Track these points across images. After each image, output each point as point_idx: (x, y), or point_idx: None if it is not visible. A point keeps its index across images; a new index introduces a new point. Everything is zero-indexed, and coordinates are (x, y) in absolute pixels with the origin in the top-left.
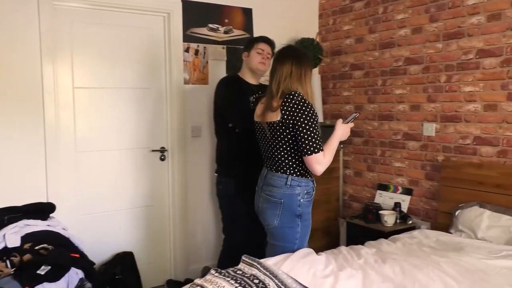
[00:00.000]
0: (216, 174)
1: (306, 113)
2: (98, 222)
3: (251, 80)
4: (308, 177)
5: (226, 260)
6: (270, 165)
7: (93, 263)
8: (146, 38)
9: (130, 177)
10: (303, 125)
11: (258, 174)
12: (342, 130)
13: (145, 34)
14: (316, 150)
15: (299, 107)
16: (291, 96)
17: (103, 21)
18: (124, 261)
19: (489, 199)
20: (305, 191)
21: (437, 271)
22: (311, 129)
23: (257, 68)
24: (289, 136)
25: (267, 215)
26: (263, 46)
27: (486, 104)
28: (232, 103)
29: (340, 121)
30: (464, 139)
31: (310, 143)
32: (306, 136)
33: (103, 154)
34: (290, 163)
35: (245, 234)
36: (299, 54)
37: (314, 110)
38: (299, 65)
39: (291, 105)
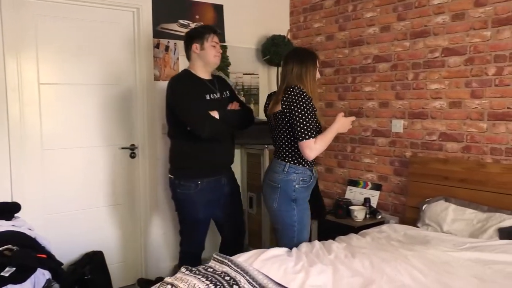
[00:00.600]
0: (172, 176)
1: (301, 102)
2: (66, 222)
3: (204, 74)
4: (306, 166)
5: (182, 264)
6: (275, 153)
7: (61, 264)
8: (114, 34)
9: (100, 175)
10: (297, 113)
11: (219, 175)
12: (340, 123)
13: (114, 30)
14: (307, 137)
15: (296, 97)
16: (290, 89)
17: (70, 15)
18: (93, 261)
19: (454, 194)
20: (301, 178)
21: (404, 265)
22: (304, 116)
23: (214, 62)
24: (287, 125)
25: (268, 198)
26: (216, 38)
27: (451, 101)
28: (191, 111)
29: (341, 114)
30: (430, 135)
31: (303, 130)
32: (299, 123)
33: (71, 152)
34: (289, 151)
35: (203, 237)
36: (301, 54)
37: (310, 101)
38: (300, 63)
39: (290, 96)
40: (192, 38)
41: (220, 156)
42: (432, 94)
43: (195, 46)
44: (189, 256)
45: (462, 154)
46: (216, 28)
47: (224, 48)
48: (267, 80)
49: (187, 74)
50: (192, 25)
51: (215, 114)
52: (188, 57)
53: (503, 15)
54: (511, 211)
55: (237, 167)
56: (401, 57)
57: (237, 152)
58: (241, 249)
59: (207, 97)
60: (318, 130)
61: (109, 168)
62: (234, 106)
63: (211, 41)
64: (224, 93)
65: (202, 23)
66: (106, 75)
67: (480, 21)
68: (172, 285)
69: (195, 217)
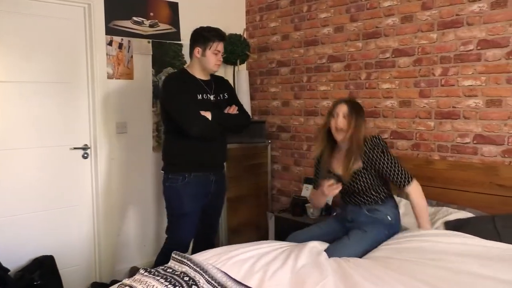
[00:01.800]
0: (162, 172)
1: (384, 151)
2: (14, 226)
3: (201, 75)
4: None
5: (166, 261)
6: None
7: (7, 270)
8: (65, 30)
9: (50, 176)
10: (385, 162)
11: (208, 172)
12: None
13: (64, 26)
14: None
15: (377, 148)
16: (366, 142)
17: (18, 10)
18: (43, 266)
19: None
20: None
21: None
22: (394, 162)
23: (212, 70)
24: (372, 176)
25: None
26: (220, 46)
27: (401, 100)
28: (182, 110)
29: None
30: (382, 133)
31: (401, 175)
32: (394, 171)
33: (19, 153)
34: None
35: (191, 234)
36: (357, 106)
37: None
38: (360, 117)
39: (370, 149)
40: (195, 41)
41: (211, 155)
42: (383, 94)
43: (197, 50)
44: (177, 248)
45: (412, 152)
46: (224, 34)
47: (179, 46)
48: None
49: (182, 73)
50: (147, 23)
51: (208, 115)
52: (190, 56)
53: (447, 18)
54: (457, 205)
55: None
56: (354, 57)
57: None
58: (212, 247)
59: (199, 96)
60: None
61: (60, 169)
62: (232, 110)
63: (215, 49)
64: (221, 95)
65: (157, 20)
66: (56, 73)
67: (427, 24)
68: (130, 287)
69: (182, 211)
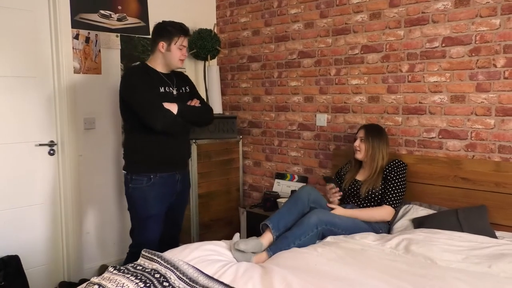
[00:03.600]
0: (125, 172)
1: (402, 173)
2: None
3: (162, 69)
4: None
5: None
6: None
7: None
8: (27, 22)
9: (15, 174)
10: (395, 181)
11: (174, 172)
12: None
13: (26, 18)
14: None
15: (399, 169)
16: (392, 163)
17: None
18: (8, 266)
19: None
20: None
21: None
22: (401, 186)
23: (176, 66)
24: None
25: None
26: (185, 42)
27: (370, 96)
28: (145, 102)
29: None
30: (352, 128)
31: (396, 198)
32: (394, 191)
33: None
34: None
35: (157, 235)
36: (375, 129)
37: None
38: (380, 139)
39: (394, 169)
40: (159, 35)
41: (175, 151)
42: (353, 89)
43: (162, 45)
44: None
45: None
46: (188, 29)
47: (148, 41)
48: (194, 74)
49: (142, 66)
50: (115, 16)
51: (174, 107)
52: (151, 50)
53: (414, 15)
54: (426, 203)
55: None
56: (324, 53)
57: None
58: (176, 245)
59: (161, 89)
60: None
61: (25, 167)
62: (194, 102)
63: (180, 44)
64: (183, 88)
65: (125, 14)
66: (19, 67)
67: (394, 21)
68: (99, 285)
69: (147, 213)
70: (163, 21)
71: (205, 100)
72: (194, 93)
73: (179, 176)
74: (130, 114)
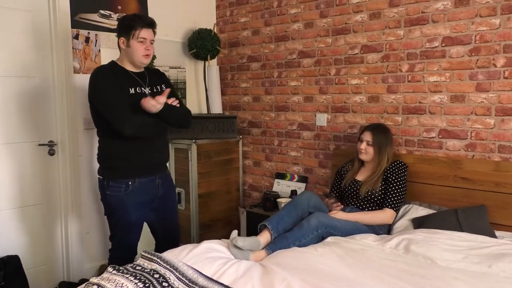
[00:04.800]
0: (100, 177)
1: (403, 174)
2: None
3: (132, 68)
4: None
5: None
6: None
7: None
8: (27, 22)
9: (15, 174)
10: (397, 183)
11: (153, 176)
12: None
13: (26, 18)
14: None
15: (400, 170)
16: (394, 163)
17: None
18: (8, 266)
19: None
20: None
21: (326, 249)
22: (402, 188)
23: (141, 62)
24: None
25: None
26: (145, 33)
27: (370, 96)
28: (112, 107)
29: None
30: (352, 128)
31: (397, 200)
32: (396, 193)
33: None
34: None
35: (138, 239)
36: (380, 129)
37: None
38: (385, 138)
39: (395, 169)
40: (119, 31)
41: (153, 155)
42: (352, 89)
43: (122, 41)
44: (121, 262)
45: None
46: (150, 20)
47: None
48: (194, 74)
49: (111, 66)
50: (114, 16)
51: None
52: (118, 48)
53: (414, 15)
54: (426, 203)
55: None
56: (324, 53)
57: None
58: (177, 246)
59: (131, 90)
60: None
61: (26, 167)
62: (171, 101)
63: (138, 37)
64: (157, 87)
65: (125, 14)
66: (19, 67)
67: (394, 21)
68: (98, 285)
69: (127, 221)
70: (124, 15)
71: (206, 99)
72: (172, 92)
73: (159, 180)
74: (99, 116)
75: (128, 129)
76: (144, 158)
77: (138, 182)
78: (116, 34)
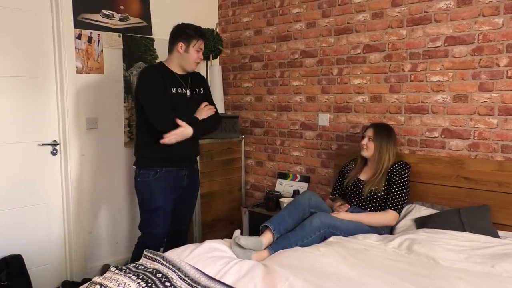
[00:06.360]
0: (134, 167)
1: (406, 175)
2: None
3: (178, 70)
4: None
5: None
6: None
7: None
8: (30, 22)
9: (18, 173)
10: (400, 184)
11: (180, 167)
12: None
13: (29, 18)
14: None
15: (403, 171)
16: (397, 164)
17: None
18: (11, 266)
19: None
20: None
21: (328, 249)
22: (405, 189)
23: (192, 68)
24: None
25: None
26: (202, 44)
27: (372, 95)
28: (152, 103)
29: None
30: (354, 128)
31: (399, 201)
32: (398, 195)
33: None
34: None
35: (164, 228)
36: (383, 128)
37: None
38: (388, 140)
39: (398, 170)
40: (179, 36)
41: (182, 150)
42: (355, 89)
43: (180, 45)
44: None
45: None
46: (205, 33)
47: (151, 40)
48: None
49: (158, 66)
50: (117, 16)
51: (189, 130)
52: (169, 50)
53: (416, 15)
54: (428, 203)
55: None
56: (326, 53)
57: None
58: (185, 242)
59: (173, 90)
60: None
61: (29, 166)
62: (207, 109)
63: (198, 47)
64: (197, 90)
65: (127, 14)
66: (22, 67)
67: (396, 20)
68: (101, 285)
69: (153, 205)
70: (182, 23)
71: None
72: (208, 97)
73: (186, 172)
74: (141, 111)
75: (162, 125)
76: (173, 151)
77: (165, 170)
78: (171, 38)
